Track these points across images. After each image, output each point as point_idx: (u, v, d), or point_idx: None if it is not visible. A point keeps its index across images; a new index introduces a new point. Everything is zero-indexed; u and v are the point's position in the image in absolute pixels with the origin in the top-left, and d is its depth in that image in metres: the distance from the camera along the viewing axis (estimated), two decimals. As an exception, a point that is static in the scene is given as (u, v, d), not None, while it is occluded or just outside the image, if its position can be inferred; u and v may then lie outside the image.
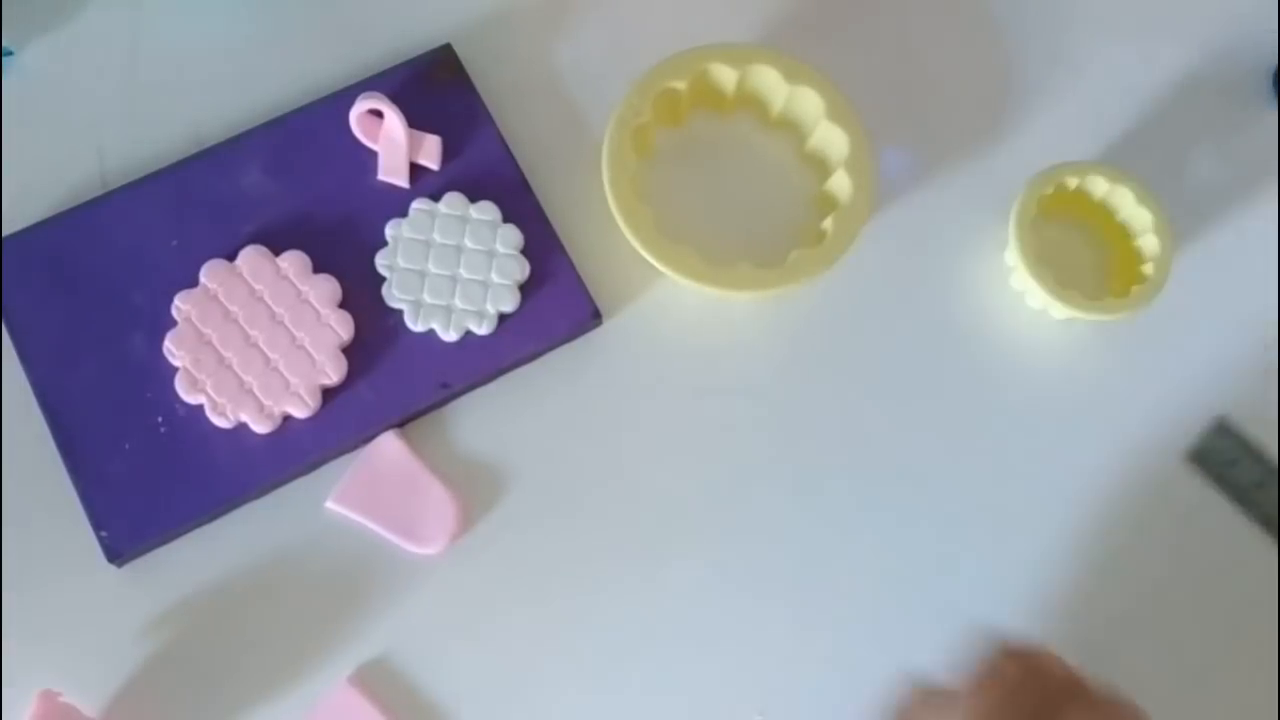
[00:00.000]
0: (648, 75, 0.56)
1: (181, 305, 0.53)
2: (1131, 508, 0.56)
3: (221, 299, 0.53)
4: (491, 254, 0.55)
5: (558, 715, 0.51)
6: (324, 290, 0.53)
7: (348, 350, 0.53)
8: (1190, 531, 0.56)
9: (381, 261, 0.54)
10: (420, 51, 0.59)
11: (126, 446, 0.51)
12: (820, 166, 0.59)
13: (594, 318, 0.55)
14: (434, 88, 0.58)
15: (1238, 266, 0.60)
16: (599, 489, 0.54)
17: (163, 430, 0.52)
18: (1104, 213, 0.58)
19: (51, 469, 0.51)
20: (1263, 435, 0.57)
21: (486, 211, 0.55)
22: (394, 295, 0.54)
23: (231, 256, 0.54)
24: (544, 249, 0.56)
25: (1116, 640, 0.54)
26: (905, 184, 0.60)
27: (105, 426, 0.51)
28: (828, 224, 0.56)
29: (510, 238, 0.55)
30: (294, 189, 0.56)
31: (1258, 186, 0.62)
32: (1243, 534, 0.56)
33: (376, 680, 0.50)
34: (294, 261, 0.54)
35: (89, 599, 0.50)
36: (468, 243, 0.55)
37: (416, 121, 0.56)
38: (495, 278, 0.54)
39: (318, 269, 0.54)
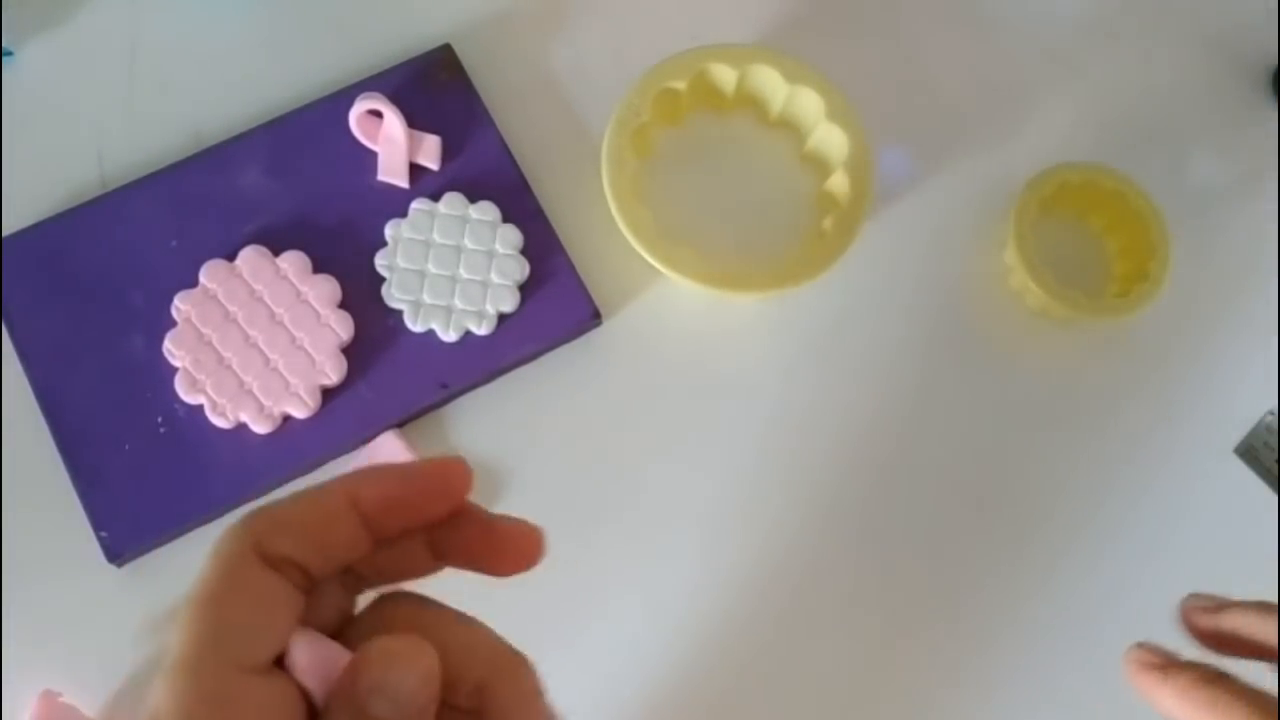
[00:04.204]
0: (648, 75, 0.56)
1: (181, 305, 0.53)
2: (1129, 504, 0.56)
3: (221, 299, 0.53)
4: (491, 254, 0.55)
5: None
6: (324, 290, 0.53)
7: (347, 350, 0.53)
8: (1191, 527, 0.56)
9: (381, 261, 0.54)
10: (420, 51, 0.59)
11: (126, 446, 0.51)
12: (820, 166, 0.59)
13: (594, 318, 0.55)
14: (434, 88, 0.58)
15: (1238, 266, 0.60)
16: (599, 489, 0.54)
17: (163, 430, 0.52)
18: (1103, 213, 0.58)
19: (51, 469, 0.51)
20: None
21: (486, 212, 0.55)
22: (394, 295, 0.54)
23: (231, 256, 0.54)
24: (544, 249, 0.56)
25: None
26: (905, 184, 0.60)
27: (105, 426, 0.51)
28: (828, 224, 0.56)
29: (510, 238, 0.55)
30: (294, 189, 0.56)
31: (1258, 186, 0.62)
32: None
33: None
34: (294, 261, 0.54)
35: (89, 599, 0.50)
36: (467, 243, 0.55)
37: (416, 121, 0.56)
38: (495, 278, 0.54)
39: (317, 269, 0.54)
